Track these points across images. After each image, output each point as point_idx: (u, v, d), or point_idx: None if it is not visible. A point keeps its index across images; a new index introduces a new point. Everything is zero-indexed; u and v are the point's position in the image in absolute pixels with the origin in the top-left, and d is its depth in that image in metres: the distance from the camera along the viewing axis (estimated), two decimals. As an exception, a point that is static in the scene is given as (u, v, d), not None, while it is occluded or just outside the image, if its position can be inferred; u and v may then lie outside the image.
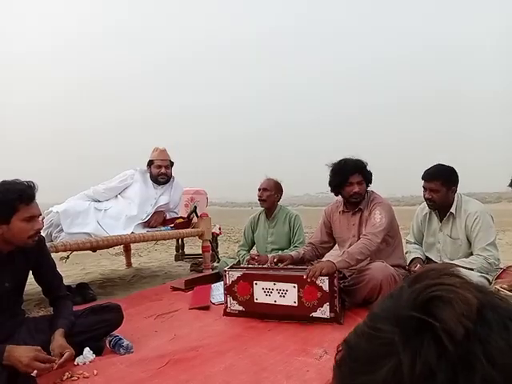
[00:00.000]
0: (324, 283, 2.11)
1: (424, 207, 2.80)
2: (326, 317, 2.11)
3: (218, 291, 2.77)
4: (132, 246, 4.51)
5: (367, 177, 2.58)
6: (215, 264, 4.04)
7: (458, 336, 0.32)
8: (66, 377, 1.60)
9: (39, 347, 1.54)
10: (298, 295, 2.15)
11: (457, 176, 2.60)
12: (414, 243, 2.89)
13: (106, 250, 3.71)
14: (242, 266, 2.73)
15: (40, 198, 1.74)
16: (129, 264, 4.47)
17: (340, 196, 2.66)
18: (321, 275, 2.11)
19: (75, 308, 1.96)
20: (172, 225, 3.52)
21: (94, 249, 3.09)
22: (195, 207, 3.94)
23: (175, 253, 4.98)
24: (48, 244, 2.25)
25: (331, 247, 2.88)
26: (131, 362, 1.73)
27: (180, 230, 3.52)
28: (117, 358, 1.79)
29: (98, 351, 1.83)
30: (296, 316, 2.17)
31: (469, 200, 2.66)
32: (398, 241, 2.66)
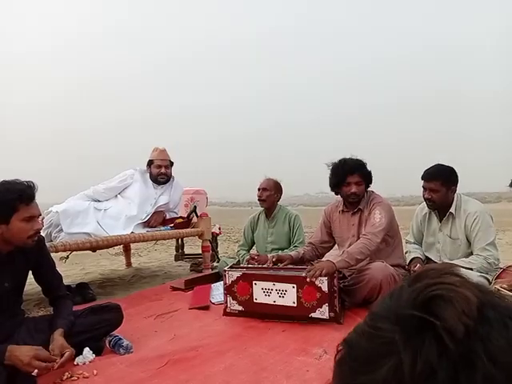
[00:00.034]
0: (323, 284, 2.11)
1: (424, 207, 2.80)
2: (325, 317, 2.11)
3: (217, 291, 2.77)
4: (132, 245, 4.52)
5: (366, 177, 2.57)
6: (215, 264, 4.04)
7: (459, 334, 0.32)
8: (65, 377, 1.60)
9: (40, 347, 1.55)
10: (297, 296, 2.15)
11: (456, 176, 2.60)
12: (414, 243, 2.89)
13: (105, 249, 3.71)
14: (241, 265, 2.73)
15: (40, 198, 1.74)
16: (128, 264, 4.47)
17: (340, 195, 2.66)
18: (321, 276, 2.11)
19: (75, 308, 1.96)
20: (172, 225, 3.52)
21: (93, 249, 3.09)
22: (195, 207, 3.94)
23: (175, 253, 4.98)
24: (48, 244, 2.25)
25: (331, 247, 2.88)
26: (131, 362, 1.73)
27: (180, 230, 3.52)
28: (116, 358, 1.79)
29: (97, 351, 1.83)
30: (295, 316, 2.17)
31: (468, 200, 2.66)
32: (397, 241, 2.66)
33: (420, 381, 0.32)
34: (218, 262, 4.04)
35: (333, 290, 2.16)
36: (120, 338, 1.91)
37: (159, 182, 3.60)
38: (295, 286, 2.15)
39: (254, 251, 3.43)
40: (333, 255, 2.70)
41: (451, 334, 0.32)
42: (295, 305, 2.15)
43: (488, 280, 2.41)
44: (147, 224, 3.44)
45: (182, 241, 4.95)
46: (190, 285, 3.03)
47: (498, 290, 2.03)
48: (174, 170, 3.75)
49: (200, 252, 4.01)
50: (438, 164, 2.63)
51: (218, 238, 4.93)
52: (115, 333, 1.96)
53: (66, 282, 2.08)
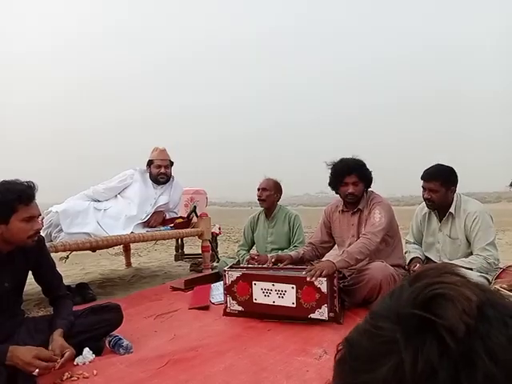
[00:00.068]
0: (322, 284, 2.11)
1: (423, 207, 2.80)
2: (324, 318, 2.11)
3: (217, 291, 2.77)
4: (132, 245, 4.51)
5: (364, 178, 2.55)
6: (215, 264, 4.04)
7: (460, 333, 0.32)
8: (65, 377, 1.59)
9: (41, 347, 1.55)
10: (297, 296, 2.15)
11: (456, 176, 2.60)
12: (414, 243, 2.89)
13: (105, 249, 3.71)
14: (241, 266, 2.72)
15: (40, 198, 1.74)
16: (128, 264, 4.47)
17: (339, 195, 2.66)
18: (321, 276, 2.11)
19: (75, 308, 1.96)
20: (172, 225, 3.52)
21: (93, 249, 3.09)
22: (195, 207, 3.94)
23: (175, 253, 4.98)
24: (47, 244, 2.25)
25: (331, 247, 2.88)
26: (131, 362, 1.73)
27: (180, 230, 3.52)
28: (116, 358, 1.79)
29: (97, 351, 1.83)
30: (294, 317, 2.17)
31: (468, 200, 2.66)
32: (397, 241, 2.66)
33: (421, 380, 0.32)
34: (217, 262, 4.04)
35: (332, 290, 2.16)
36: (120, 338, 1.91)
37: (159, 181, 3.60)
38: (294, 286, 2.15)
39: (253, 251, 3.43)
40: (332, 255, 2.70)
41: (452, 333, 0.32)
42: (294, 305, 2.15)
43: (488, 280, 2.41)
44: (147, 224, 3.44)
45: (182, 241, 4.95)
46: (189, 285, 3.03)
47: (498, 290, 2.03)
48: (174, 170, 3.75)
49: (200, 252, 4.01)
50: (438, 164, 2.63)
51: (217, 238, 4.93)
52: (115, 333, 1.96)
53: (65, 282, 2.09)
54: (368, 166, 2.60)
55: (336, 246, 2.84)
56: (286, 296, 2.17)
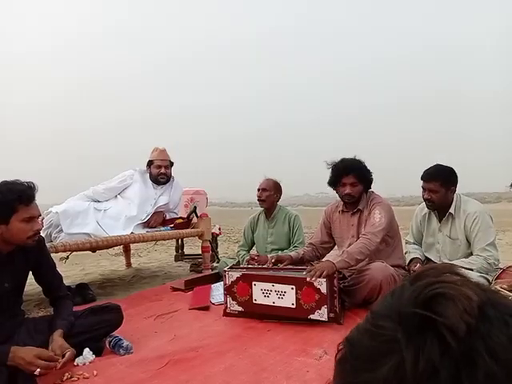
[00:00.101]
0: (322, 285, 2.10)
1: (423, 207, 2.80)
2: (323, 319, 2.10)
3: (217, 291, 2.77)
4: (132, 246, 4.51)
5: (362, 178, 2.54)
6: (215, 264, 4.04)
7: (461, 332, 0.32)
8: (65, 377, 1.59)
9: (42, 348, 1.55)
10: (296, 297, 2.14)
11: (456, 176, 2.60)
12: (414, 243, 2.89)
13: (105, 250, 3.71)
14: (241, 266, 2.72)
15: (40, 199, 1.74)
16: (128, 264, 4.47)
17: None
18: (321, 276, 2.11)
19: (75, 308, 1.96)
20: (172, 225, 3.52)
21: (93, 249, 3.09)
22: (195, 207, 3.94)
23: (175, 253, 4.98)
24: (48, 244, 2.25)
25: (332, 247, 2.87)
26: (131, 363, 1.73)
27: (180, 231, 3.52)
28: (116, 359, 1.79)
29: (97, 352, 1.83)
30: (294, 318, 2.17)
31: (468, 200, 2.66)
32: (397, 241, 2.66)
33: (422, 379, 0.32)
34: (217, 262, 4.04)
35: (333, 291, 2.16)
36: (120, 339, 1.91)
37: (159, 182, 3.60)
38: (294, 287, 2.15)
39: (253, 251, 3.43)
40: (332, 256, 2.70)
41: (453, 333, 0.32)
42: (294, 306, 2.15)
43: (488, 280, 2.41)
44: (147, 224, 3.44)
45: (182, 241, 4.95)
46: (189, 285, 3.03)
47: (498, 290, 2.03)
48: (174, 170, 3.75)
49: (200, 252, 4.01)
50: (438, 164, 2.63)
51: (217, 238, 4.93)
52: (115, 333, 1.96)
53: (65, 282, 2.09)
54: (369, 167, 2.59)
55: (336, 246, 2.84)
56: (285, 297, 2.17)
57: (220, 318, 2.34)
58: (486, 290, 0.36)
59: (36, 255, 1.82)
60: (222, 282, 2.50)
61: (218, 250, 4.83)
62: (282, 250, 3.20)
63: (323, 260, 2.58)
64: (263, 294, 2.23)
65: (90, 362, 1.73)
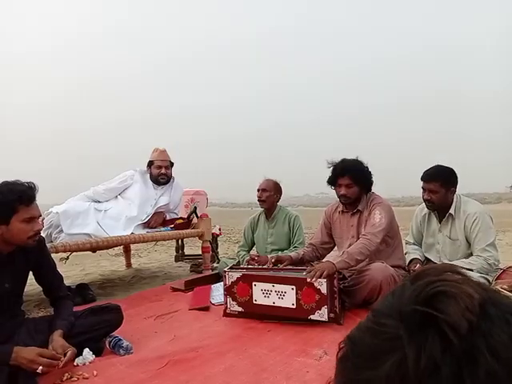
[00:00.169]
0: (322, 286, 2.11)
1: (423, 208, 2.80)
2: (324, 320, 2.11)
3: (217, 292, 2.77)
4: (132, 246, 4.51)
5: (359, 180, 2.51)
6: (215, 265, 4.04)
7: (462, 330, 0.32)
8: (65, 377, 1.60)
9: (44, 348, 1.55)
10: (297, 297, 2.14)
11: (456, 177, 2.60)
12: (413, 244, 2.89)
13: (105, 250, 3.72)
14: (241, 266, 2.72)
15: (40, 199, 1.74)
16: (128, 265, 4.47)
17: (338, 196, 2.66)
18: (321, 277, 2.11)
19: (75, 309, 1.96)
20: (172, 225, 3.52)
21: (93, 249, 3.09)
22: (195, 208, 3.94)
23: (175, 253, 4.98)
24: (48, 245, 2.25)
25: (332, 248, 2.87)
26: (131, 363, 1.73)
27: (180, 231, 3.52)
28: (116, 359, 1.79)
29: (97, 352, 1.83)
30: (294, 318, 2.17)
31: (468, 201, 2.66)
32: (397, 241, 2.66)
33: (424, 376, 0.32)
34: (218, 262, 4.03)
35: (333, 291, 2.16)
36: (120, 339, 1.91)
37: (159, 182, 3.60)
38: (294, 287, 2.15)
39: (254, 252, 3.43)
40: (333, 256, 2.70)
41: (455, 330, 0.32)
42: (294, 306, 2.15)
43: (488, 281, 2.41)
44: (147, 225, 3.44)
45: (182, 242, 4.95)
46: (190, 285, 3.03)
47: (499, 290, 2.03)
48: (174, 171, 3.75)
49: (200, 253, 4.01)
50: (438, 165, 2.63)
51: (218, 238, 4.93)
52: (115, 333, 1.96)
53: (66, 282, 2.09)
54: (370, 169, 2.57)
55: (336, 247, 2.84)
56: (285, 297, 2.17)
57: (220, 319, 2.34)
58: (486, 289, 0.36)
59: (36, 255, 1.82)
60: (222, 283, 2.50)
61: (218, 250, 4.83)
62: (282, 250, 3.20)
63: (323, 260, 2.58)
64: (263, 294, 2.23)
65: (89, 362, 1.73)
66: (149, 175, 3.63)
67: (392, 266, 2.41)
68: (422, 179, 2.62)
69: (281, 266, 2.48)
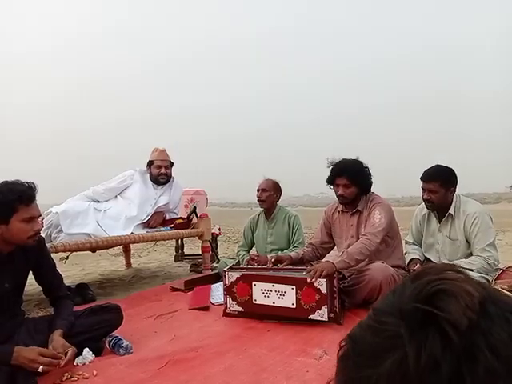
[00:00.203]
0: (322, 285, 2.11)
1: (423, 208, 2.80)
2: (324, 319, 2.11)
3: (217, 292, 2.77)
4: (131, 246, 4.51)
5: (356, 181, 2.51)
6: (215, 264, 4.04)
7: (462, 327, 0.32)
8: (65, 377, 1.60)
9: (45, 348, 1.55)
10: (297, 297, 2.15)
11: (455, 177, 2.60)
12: (413, 244, 2.89)
13: (105, 250, 3.71)
14: (241, 266, 2.73)
15: (40, 199, 1.74)
16: (128, 264, 4.47)
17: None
18: (321, 277, 2.11)
19: (75, 308, 1.96)
20: (172, 225, 3.52)
21: (93, 249, 3.09)
22: (195, 208, 3.94)
23: (175, 253, 4.98)
24: (48, 244, 2.25)
25: (332, 248, 2.88)
26: (131, 363, 1.73)
27: (180, 231, 3.52)
28: (116, 359, 1.79)
29: (97, 352, 1.83)
30: (294, 318, 2.17)
31: (467, 201, 2.66)
32: (397, 241, 2.66)
33: (424, 373, 0.32)
34: (217, 262, 4.04)
35: (332, 291, 2.16)
36: (120, 339, 1.91)
37: (159, 182, 3.60)
38: (294, 287, 2.15)
39: (253, 252, 3.43)
40: (332, 256, 2.70)
41: (455, 327, 0.32)
42: (294, 306, 2.15)
43: (488, 281, 2.41)
44: (147, 225, 3.44)
45: (182, 241, 4.95)
46: (189, 285, 3.03)
47: (498, 290, 2.03)
48: (174, 171, 3.75)
49: (200, 253, 4.01)
50: (437, 165, 2.63)
51: (217, 238, 4.93)
52: (115, 333, 1.96)
53: (65, 282, 2.09)
54: (370, 170, 2.57)
55: (336, 246, 2.84)
56: (285, 297, 2.17)
57: (220, 319, 2.34)
58: (486, 288, 0.37)
59: (36, 255, 1.82)
60: (221, 283, 2.50)
61: (218, 250, 4.83)
62: (282, 250, 3.20)
63: (323, 260, 2.58)
64: (263, 294, 2.23)
65: (89, 362, 1.73)
66: (148, 175, 3.63)
67: (392, 266, 2.42)
68: (421, 179, 2.62)
69: (281, 266, 2.48)
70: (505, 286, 2.17)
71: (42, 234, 2.24)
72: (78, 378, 1.60)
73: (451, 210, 2.60)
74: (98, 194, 3.39)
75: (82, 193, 3.39)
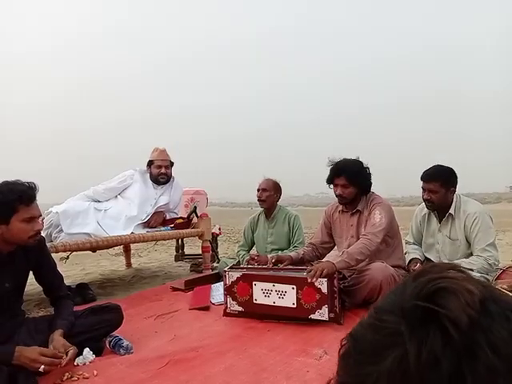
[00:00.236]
0: (323, 285, 2.11)
1: (423, 208, 2.80)
2: (324, 319, 2.11)
3: (217, 291, 2.77)
4: (132, 246, 4.51)
5: (354, 181, 2.50)
6: (215, 264, 4.04)
7: (463, 325, 0.33)
8: (65, 377, 1.60)
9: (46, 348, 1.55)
10: (297, 297, 2.15)
11: (456, 177, 2.60)
12: (413, 244, 2.89)
13: (105, 250, 3.71)
14: (241, 266, 2.73)
15: (40, 199, 1.74)
16: (129, 264, 4.47)
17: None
18: (321, 277, 2.11)
19: (75, 308, 1.96)
20: (172, 225, 3.52)
21: (93, 249, 3.09)
22: (195, 207, 3.94)
23: (175, 253, 4.98)
24: (48, 244, 2.25)
25: (332, 247, 2.87)
26: (131, 363, 1.73)
27: (180, 231, 3.52)
28: (117, 359, 1.79)
29: (97, 352, 1.83)
30: (295, 318, 2.17)
31: (468, 200, 2.66)
32: (397, 241, 2.66)
33: (425, 371, 0.32)
34: (218, 262, 4.04)
35: (333, 291, 2.16)
36: (120, 339, 1.91)
37: (159, 182, 3.60)
38: (295, 287, 2.15)
39: (254, 252, 3.43)
40: (332, 256, 2.70)
41: (455, 325, 0.33)
42: (295, 306, 2.15)
43: (488, 281, 2.41)
44: (147, 224, 3.44)
45: (182, 241, 4.96)
46: (190, 285, 3.03)
47: (499, 290, 2.03)
48: (174, 170, 3.76)
49: (200, 252, 4.01)
50: (437, 165, 2.63)
51: (218, 238, 4.93)
52: (115, 333, 1.96)
53: (66, 282, 2.09)
54: (370, 170, 2.56)
55: (336, 246, 2.84)
56: (286, 296, 2.17)
57: (220, 318, 2.34)
58: (487, 287, 0.37)
59: (37, 255, 1.83)
60: (222, 282, 2.50)
61: (218, 250, 4.83)
62: (282, 250, 3.20)
63: (323, 260, 2.58)
64: (264, 293, 2.23)
65: (90, 362, 1.73)
66: (149, 175, 3.63)
67: (392, 266, 2.42)
68: (421, 179, 2.62)
69: (281, 266, 2.48)
70: (505, 286, 2.17)
71: (43, 233, 2.24)
72: (79, 378, 1.60)
73: (451, 210, 2.60)
74: (99, 193, 3.40)
75: (83, 193, 3.39)
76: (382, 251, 2.51)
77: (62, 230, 2.85)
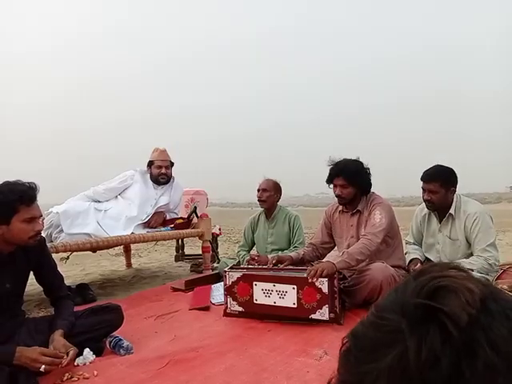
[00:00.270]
0: (323, 285, 2.11)
1: (423, 208, 2.80)
2: (325, 319, 2.11)
3: (218, 292, 2.78)
4: (132, 246, 4.52)
5: (353, 181, 2.50)
6: (215, 264, 4.04)
7: (462, 322, 0.33)
8: (66, 377, 1.60)
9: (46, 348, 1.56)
10: (298, 297, 2.15)
11: (456, 177, 2.60)
12: (413, 244, 2.89)
13: (105, 250, 3.72)
14: (241, 266, 2.73)
15: (40, 199, 1.74)
16: (129, 264, 4.47)
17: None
18: (322, 276, 2.11)
19: (75, 309, 1.96)
20: (172, 225, 3.52)
21: (94, 249, 3.09)
22: (195, 208, 3.94)
23: (175, 253, 4.98)
24: (48, 245, 2.25)
25: (332, 248, 2.88)
26: (131, 363, 1.73)
27: (180, 231, 3.52)
28: (117, 359, 1.79)
29: (98, 352, 1.83)
30: (295, 318, 2.17)
31: (468, 201, 2.66)
32: (397, 242, 2.66)
33: (424, 368, 0.32)
34: (218, 262, 4.04)
35: (333, 291, 2.16)
36: (120, 339, 1.91)
37: (160, 182, 3.61)
38: (295, 287, 2.15)
39: (254, 252, 3.43)
40: (332, 256, 2.70)
41: (455, 322, 0.33)
42: (295, 306, 2.15)
43: (488, 281, 2.41)
44: (147, 225, 3.44)
45: (183, 241, 4.96)
46: (190, 285, 3.04)
47: (499, 289, 2.03)
48: (174, 171, 3.76)
49: (200, 253, 4.01)
50: (438, 165, 2.63)
51: (218, 238, 4.93)
52: (115, 333, 1.96)
53: (66, 282, 2.09)
54: (370, 170, 2.56)
55: (336, 246, 2.84)
56: (286, 296, 2.17)
57: (220, 319, 2.34)
58: (488, 285, 0.37)
59: (37, 255, 1.83)
60: (222, 283, 2.51)
61: (219, 250, 4.83)
62: (282, 250, 3.20)
63: (323, 260, 2.58)
64: (264, 294, 2.23)
65: (90, 362, 1.73)
66: (149, 175, 3.64)
67: (392, 266, 2.42)
68: (421, 179, 2.62)
69: (281, 266, 2.48)
70: (505, 286, 2.17)
71: (43, 234, 2.24)
72: (79, 378, 1.60)
73: (452, 210, 2.60)
74: (99, 194, 3.40)
75: (83, 193, 3.39)
76: (382, 251, 2.51)
77: (62, 231, 2.85)
